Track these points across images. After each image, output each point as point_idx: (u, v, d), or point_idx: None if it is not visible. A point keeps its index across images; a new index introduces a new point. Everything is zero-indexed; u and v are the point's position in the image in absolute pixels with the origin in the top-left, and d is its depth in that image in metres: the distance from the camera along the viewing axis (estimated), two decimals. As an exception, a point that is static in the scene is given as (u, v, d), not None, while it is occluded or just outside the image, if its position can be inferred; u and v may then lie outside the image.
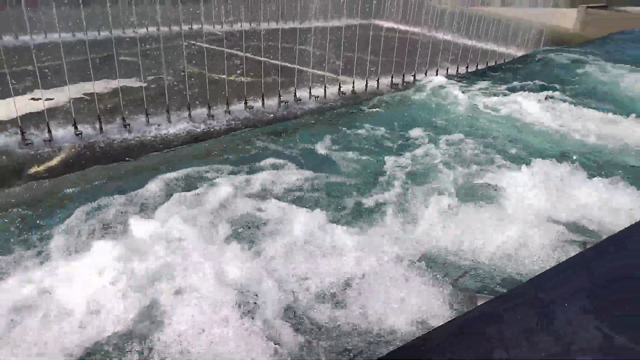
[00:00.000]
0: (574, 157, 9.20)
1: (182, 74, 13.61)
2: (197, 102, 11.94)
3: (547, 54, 19.77)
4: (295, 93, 13.20)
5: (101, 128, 10.11)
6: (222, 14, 19.33)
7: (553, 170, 7.88)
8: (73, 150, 9.28)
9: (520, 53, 20.47)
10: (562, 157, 9.27)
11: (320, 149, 9.70)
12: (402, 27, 23.93)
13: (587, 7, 25.84)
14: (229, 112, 11.73)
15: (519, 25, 21.26)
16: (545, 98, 13.32)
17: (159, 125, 10.68)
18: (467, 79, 16.17)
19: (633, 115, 11.83)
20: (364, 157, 9.37)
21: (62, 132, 9.87)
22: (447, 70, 16.96)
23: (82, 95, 11.86)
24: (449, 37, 20.93)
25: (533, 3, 22.98)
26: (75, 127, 9.87)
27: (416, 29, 22.56)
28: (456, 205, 7.18)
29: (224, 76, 13.03)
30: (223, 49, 15.22)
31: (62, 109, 10.84)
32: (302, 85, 13.78)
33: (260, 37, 15.68)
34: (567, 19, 25.50)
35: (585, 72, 16.82)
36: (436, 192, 7.65)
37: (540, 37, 21.53)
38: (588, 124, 11.51)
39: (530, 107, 12.57)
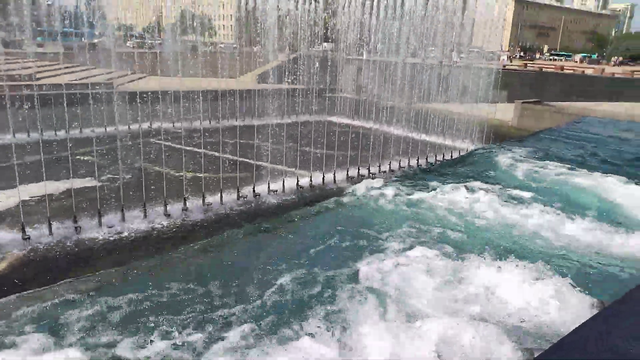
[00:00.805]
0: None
1: (140, 172, 13.61)
2: (154, 200, 11.83)
3: (485, 150, 20.82)
4: (254, 188, 13.38)
5: (50, 231, 9.77)
6: (181, 112, 19.88)
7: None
8: (16, 258, 8.83)
9: (465, 146, 21.79)
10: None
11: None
12: (356, 122, 25.39)
13: (523, 102, 28.38)
14: (186, 210, 11.67)
15: (464, 120, 22.92)
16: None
17: (111, 226, 10.43)
18: (414, 175, 16.48)
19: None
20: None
21: (8, 236, 9.46)
22: (400, 164, 17.77)
23: (33, 197, 11.56)
24: (399, 131, 22.23)
25: (474, 99, 25.03)
26: (23, 231, 9.49)
27: (369, 125, 23.92)
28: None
29: (182, 173, 13.13)
30: (182, 146, 15.50)
31: (11, 211, 10.48)
32: (261, 180, 14.03)
33: (219, 134, 16.13)
34: (506, 113, 27.78)
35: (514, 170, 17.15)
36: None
37: (483, 130, 23.19)
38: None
39: (458, 200, 12.89)
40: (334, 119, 26.26)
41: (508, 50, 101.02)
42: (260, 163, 15.67)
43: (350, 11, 25.85)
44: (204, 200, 12.17)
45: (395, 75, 24.05)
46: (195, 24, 19.47)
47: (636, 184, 14.26)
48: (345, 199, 13.57)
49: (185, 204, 11.79)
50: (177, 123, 21.10)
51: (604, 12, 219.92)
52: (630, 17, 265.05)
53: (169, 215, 11.29)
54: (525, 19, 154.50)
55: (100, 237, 10.00)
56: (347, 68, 34.55)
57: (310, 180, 14.73)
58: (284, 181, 13.99)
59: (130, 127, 19.67)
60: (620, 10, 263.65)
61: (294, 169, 15.27)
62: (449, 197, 13.26)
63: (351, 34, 26.04)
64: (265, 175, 14.24)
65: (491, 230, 11.25)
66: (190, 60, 19.38)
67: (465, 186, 13.82)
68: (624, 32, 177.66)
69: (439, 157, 19.46)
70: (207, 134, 18.84)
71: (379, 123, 22.92)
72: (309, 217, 12.15)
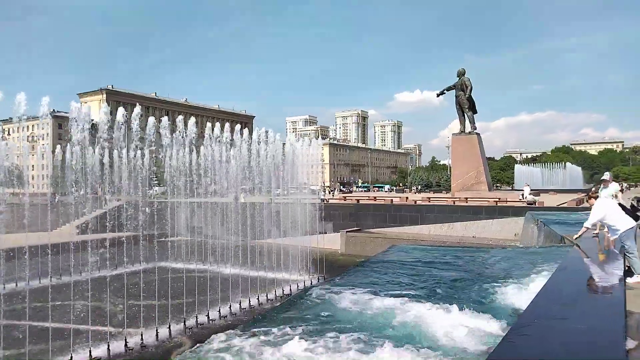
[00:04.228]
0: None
1: None
2: None
3: (317, 285, 21.38)
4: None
5: None
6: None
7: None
8: None
9: (302, 278, 22.38)
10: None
11: None
12: (191, 266, 24.35)
13: (347, 231, 31.04)
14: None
15: (298, 252, 23.82)
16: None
17: None
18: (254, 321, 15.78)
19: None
20: None
21: None
22: (240, 304, 17.23)
23: None
24: (236, 270, 21.93)
25: (305, 232, 26.47)
26: None
27: (204, 266, 23.18)
28: None
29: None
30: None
31: None
32: (80, 349, 12.04)
33: (26, 298, 13.74)
34: (334, 243, 29.90)
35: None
36: None
37: (317, 260, 24.31)
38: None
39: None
40: (167, 264, 24.83)
41: (330, 186, 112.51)
42: (79, 327, 13.60)
43: (180, 156, 26.31)
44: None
45: (228, 214, 24.43)
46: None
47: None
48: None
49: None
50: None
51: (399, 150, 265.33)
52: (420, 154, 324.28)
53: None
54: (339, 159, 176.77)
55: None
56: (179, 210, 34.01)
57: (142, 339, 13.17)
58: (108, 346, 12.24)
59: None
60: (411, 148, 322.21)
61: (121, 329, 13.55)
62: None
63: (182, 177, 26.18)
64: (86, 341, 12.32)
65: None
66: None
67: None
68: (417, 166, 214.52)
69: (279, 292, 19.51)
70: (7, 300, 15.88)
71: (216, 264, 22.42)
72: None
